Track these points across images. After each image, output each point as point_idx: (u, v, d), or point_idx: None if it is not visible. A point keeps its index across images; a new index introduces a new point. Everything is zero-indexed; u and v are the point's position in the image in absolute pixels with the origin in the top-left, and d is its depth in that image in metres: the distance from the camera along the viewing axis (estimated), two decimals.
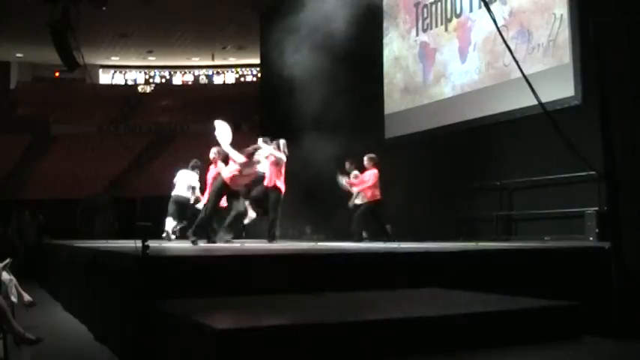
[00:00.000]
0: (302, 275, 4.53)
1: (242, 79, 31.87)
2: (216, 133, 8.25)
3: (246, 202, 8.78)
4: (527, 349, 3.34)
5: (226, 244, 8.03)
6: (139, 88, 31.53)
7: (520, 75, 7.07)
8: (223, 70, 31.84)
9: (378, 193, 9.67)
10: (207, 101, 28.03)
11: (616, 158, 6.06)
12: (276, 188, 8.62)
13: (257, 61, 21.95)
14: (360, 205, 9.86)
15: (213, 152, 9.24)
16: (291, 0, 13.32)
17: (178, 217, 9.93)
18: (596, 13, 6.57)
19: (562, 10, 9.06)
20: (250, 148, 8.17)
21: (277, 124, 13.81)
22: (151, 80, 32.17)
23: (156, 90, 31.35)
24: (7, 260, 6.23)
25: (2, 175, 22.92)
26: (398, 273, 4.80)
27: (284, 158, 8.69)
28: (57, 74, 28.26)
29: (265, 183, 8.73)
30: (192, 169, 10.18)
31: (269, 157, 8.56)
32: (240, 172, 8.02)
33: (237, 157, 7.98)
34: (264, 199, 8.77)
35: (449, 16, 11.34)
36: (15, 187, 22.61)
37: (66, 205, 19.66)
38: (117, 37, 26.02)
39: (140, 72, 32.14)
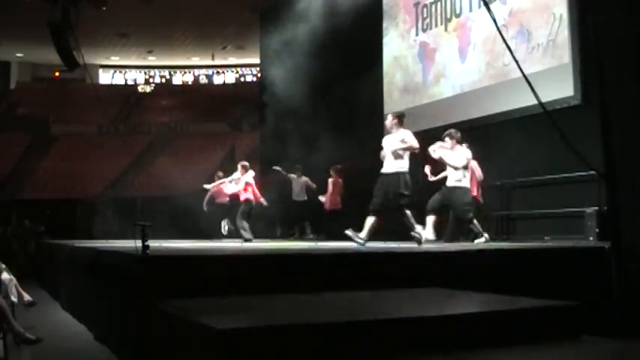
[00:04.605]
0: (302, 275, 4.53)
1: (242, 79, 31.83)
2: None
3: None
4: (527, 349, 3.34)
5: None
6: (139, 88, 31.50)
7: (520, 75, 7.05)
8: (223, 70, 31.82)
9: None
10: (207, 101, 28.03)
11: (616, 158, 6.05)
12: None
13: (257, 61, 21.93)
14: None
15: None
16: (291, 0, 13.34)
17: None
18: (596, 13, 6.56)
19: (562, 9, 9.05)
20: None
21: (277, 124, 13.81)
22: (151, 80, 32.13)
23: (156, 90, 31.32)
24: None
25: (2, 175, 22.90)
26: (398, 273, 4.80)
27: None
28: (57, 74, 28.25)
29: None
30: None
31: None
32: None
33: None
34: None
35: (448, 16, 11.32)
36: (15, 187, 22.60)
37: (66, 205, 19.63)
38: (117, 37, 25.97)
39: (140, 72, 32.10)
